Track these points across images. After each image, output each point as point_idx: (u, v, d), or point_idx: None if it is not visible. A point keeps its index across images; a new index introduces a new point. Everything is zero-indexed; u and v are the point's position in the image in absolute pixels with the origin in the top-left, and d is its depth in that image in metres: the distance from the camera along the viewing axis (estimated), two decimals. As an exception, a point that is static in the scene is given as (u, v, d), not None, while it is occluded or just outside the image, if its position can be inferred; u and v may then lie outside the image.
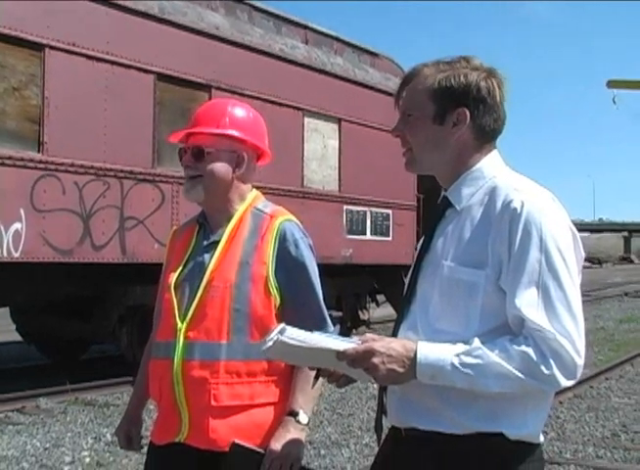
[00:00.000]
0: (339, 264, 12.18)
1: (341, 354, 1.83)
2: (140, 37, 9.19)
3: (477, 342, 1.81)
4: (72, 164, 8.45)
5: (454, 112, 1.97)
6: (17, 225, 7.92)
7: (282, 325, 1.92)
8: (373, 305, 14.29)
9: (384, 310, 14.89)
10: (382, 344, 1.84)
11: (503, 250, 1.84)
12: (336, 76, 12.20)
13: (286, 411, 2.40)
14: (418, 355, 1.82)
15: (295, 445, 2.34)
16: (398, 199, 13.27)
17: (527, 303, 1.80)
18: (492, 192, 1.93)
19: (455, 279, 1.90)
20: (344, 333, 12.33)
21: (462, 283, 1.88)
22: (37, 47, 8.19)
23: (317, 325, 2.42)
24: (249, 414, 2.39)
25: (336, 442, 6.90)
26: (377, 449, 2.16)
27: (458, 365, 1.80)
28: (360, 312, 13.70)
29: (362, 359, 1.83)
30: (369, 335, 1.91)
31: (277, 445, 2.32)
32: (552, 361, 1.77)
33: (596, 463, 6.32)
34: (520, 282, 1.82)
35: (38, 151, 8.21)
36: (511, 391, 1.81)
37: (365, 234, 12.82)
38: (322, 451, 6.54)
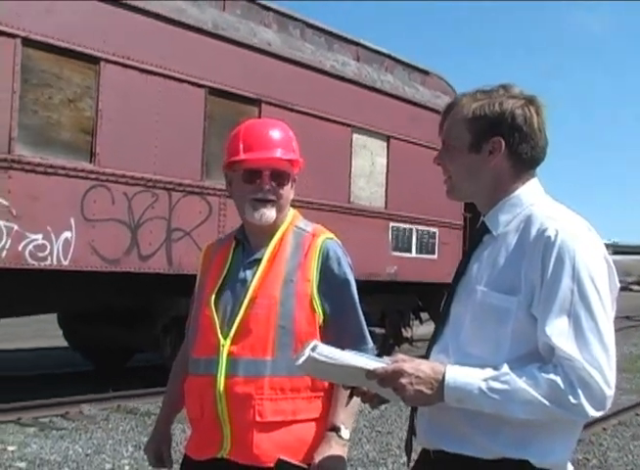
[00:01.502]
0: (383, 281, 12.17)
1: (370, 374, 1.87)
2: (193, 52, 9.33)
3: (505, 367, 1.82)
4: (123, 176, 8.60)
5: (489, 140, 1.99)
6: (67, 234, 8.08)
7: (314, 342, 1.97)
8: (416, 322, 14.22)
9: (427, 328, 14.78)
10: (411, 365, 1.86)
11: (536, 277, 1.85)
12: (386, 94, 12.21)
13: (328, 427, 2.42)
14: (446, 378, 1.84)
15: (337, 460, 2.35)
16: (445, 217, 13.22)
17: (558, 331, 1.81)
18: (528, 219, 1.93)
19: (487, 304, 1.91)
20: (388, 350, 12.37)
21: (494, 308, 1.89)
22: (93, 60, 8.37)
23: (357, 342, 2.45)
24: (291, 430, 2.41)
25: (373, 460, 6.88)
26: None
27: (486, 390, 1.81)
28: (403, 330, 13.64)
29: (391, 379, 1.85)
30: (400, 355, 1.93)
31: (321, 460, 2.34)
32: (580, 391, 1.77)
33: (639, 493, 6.21)
34: (551, 310, 1.82)
35: (90, 161, 8.37)
36: (538, 418, 1.82)
37: (410, 252, 12.79)
38: (359, 469, 6.52)
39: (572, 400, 1.77)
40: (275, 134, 2.52)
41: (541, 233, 1.87)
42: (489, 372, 1.83)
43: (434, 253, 13.24)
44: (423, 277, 12.80)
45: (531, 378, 1.79)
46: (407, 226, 12.66)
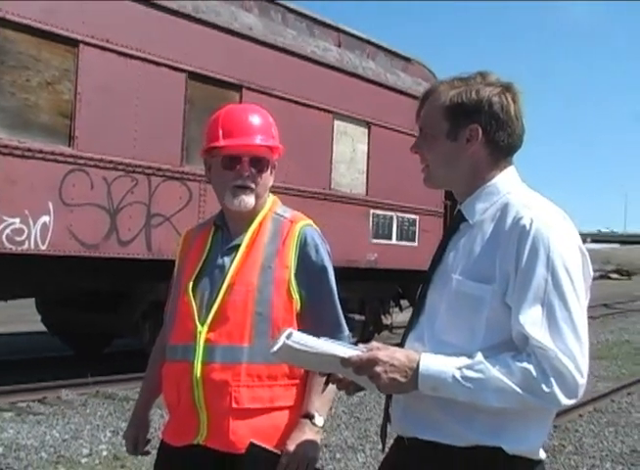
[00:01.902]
0: (363, 268, 12.19)
1: (345, 361, 1.87)
2: (173, 36, 9.26)
3: (479, 356, 1.83)
4: (102, 160, 8.54)
5: (467, 128, 1.98)
6: (45, 218, 8.01)
7: (289, 329, 1.97)
8: (396, 310, 14.27)
9: (407, 316, 14.84)
10: (386, 353, 1.87)
11: (510, 266, 1.85)
12: (367, 80, 12.20)
13: (302, 414, 2.42)
14: (420, 366, 1.85)
15: (310, 446, 2.36)
16: (426, 205, 13.24)
17: (532, 320, 1.81)
18: (504, 208, 1.94)
19: (462, 293, 1.91)
20: (367, 337, 12.40)
21: (468, 297, 1.90)
22: (72, 42, 8.29)
23: (333, 329, 2.46)
24: (268, 417, 2.41)
25: (352, 446, 6.90)
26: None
27: (459, 378, 1.82)
28: (383, 317, 13.70)
29: (366, 367, 1.85)
30: (374, 343, 1.94)
31: (293, 446, 2.34)
32: (553, 380, 1.78)
33: (613, 479, 6.26)
34: (525, 299, 1.83)
35: (69, 145, 8.30)
36: (511, 406, 1.83)
37: (391, 239, 12.81)
38: (337, 455, 6.54)
39: (545, 389, 1.78)
40: (255, 120, 2.50)
41: (516, 222, 1.87)
42: (463, 361, 1.84)
43: (414, 240, 13.27)
44: (403, 264, 12.83)
45: (505, 366, 1.80)
46: (388, 213, 12.67)
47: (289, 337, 1.92)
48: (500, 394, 1.80)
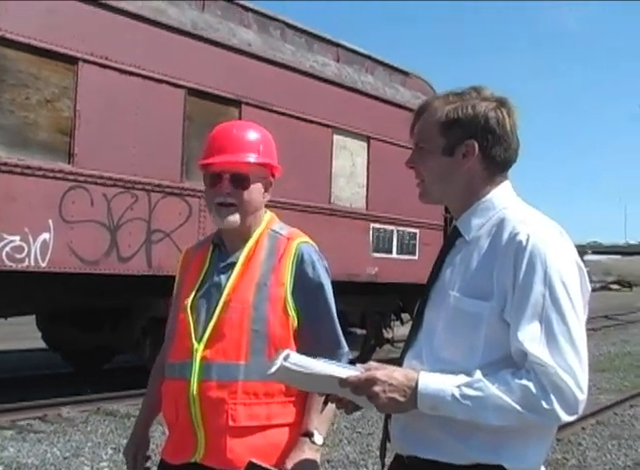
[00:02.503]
0: (364, 282, 12.17)
1: (343, 382, 1.86)
2: (172, 52, 9.29)
3: (478, 374, 1.82)
4: (102, 177, 8.55)
5: (463, 144, 1.98)
6: (45, 235, 8.01)
7: (287, 351, 1.96)
8: (397, 323, 14.24)
9: (408, 329, 14.81)
10: (384, 372, 1.86)
11: (508, 282, 1.85)
12: (366, 95, 12.24)
13: (301, 432, 2.40)
14: (419, 385, 1.84)
15: (309, 465, 2.34)
16: (426, 218, 13.23)
17: (530, 337, 1.80)
18: (500, 223, 1.93)
19: (459, 309, 1.90)
20: (369, 351, 12.38)
21: (466, 314, 1.89)
22: (71, 60, 8.31)
23: (331, 346, 2.44)
24: (265, 435, 2.39)
25: (354, 461, 6.87)
26: None
27: (458, 397, 1.81)
28: (384, 331, 13.67)
29: (364, 387, 1.85)
30: (372, 363, 1.93)
31: (292, 465, 2.32)
32: (552, 396, 1.77)
33: (617, 492, 6.23)
34: (523, 315, 1.82)
35: (68, 162, 8.31)
36: (511, 424, 1.82)
37: (391, 253, 12.81)
38: (340, 471, 6.51)
39: (545, 406, 1.77)
40: (241, 137, 2.49)
41: (513, 238, 1.87)
42: (462, 379, 1.83)
43: (414, 253, 13.26)
44: (404, 278, 12.81)
45: (504, 384, 1.79)
46: (388, 227, 12.68)
47: (286, 359, 1.91)
48: (499, 411, 1.79)
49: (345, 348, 2.51)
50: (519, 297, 1.83)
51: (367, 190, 12.23)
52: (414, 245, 13.30)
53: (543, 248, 1.84)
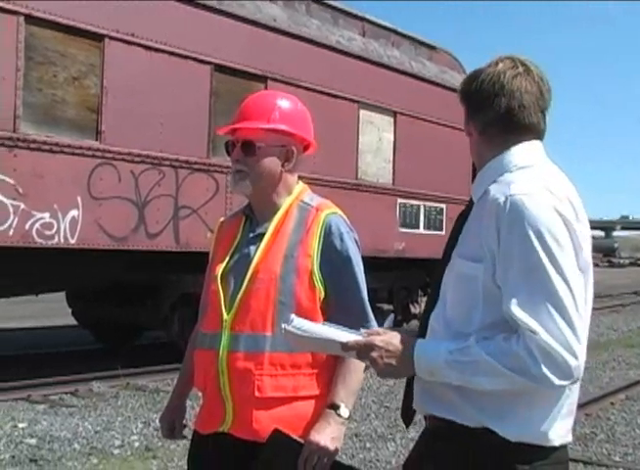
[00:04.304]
0: (391, 258, 12.16)
1: (344, 346, 1.93)
2: (197, 28, 9.28)
3: (471, 339, 1.83)
4: (129, 153, 8.59)
5: (483, 107, 2.00)
6: (73, 212, 8.08)
7: (293, 315, 2.04)
8: (424, 298, 14.24)
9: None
10: (382, 338, 1.91)
11: (494, 246, 1.85)
12: (392, 69, 12.15)
13: (327, 404, 2.40)
14: (415, 352, 1.88)
15: (334, 437, 2.34)
16: (453, 193, 13.17)
17: (516, 301, 1.79)
18: (493, 186, 1.93)
19: (460, 272, 1.93)
20: (396, 326, 12.54)
21: (465, 276, 1.91)
22: (97, 37, 8.33)
23: (358, 318, 2.43)
24: (291, 406, 2.40)
25: (382, 435, 6.90)
26: None
27: (451, 362, 1.83)
28: (411, 306, 13.69)
29: (363, 352, 1.91)
30: (376, 329, 2.00)
31: (317, 436, 2.32)
32: (541, 361, 1.76)
33: (646, 467, 6.20)
34: (507, 280, 1.82)
35: (96, 139, 8.36)
36: (504, 388, 1.82)
37: (418, 228, 12.78)
38: (367, 444, 6.55)
39: (535, 371, 1.76)
40: (257, 104, 2.51)
41: (495, 200, 1.86)
42: (456, 344, 1.85)
43: (441, 229, 13.22)
44: (431, 253, 12.77)
45: (495, 349, 1.80)
46: (415, 202, 12.63)
47: (290, 323, 1.98)
48: (491, 377, 1.80)
49: (373, 322, 2.49)
50: (502, 261, 1.83)
51: (393, 165, 12.18)
52: (441, 220, 13.25)
53: (521, 208, 1.81)
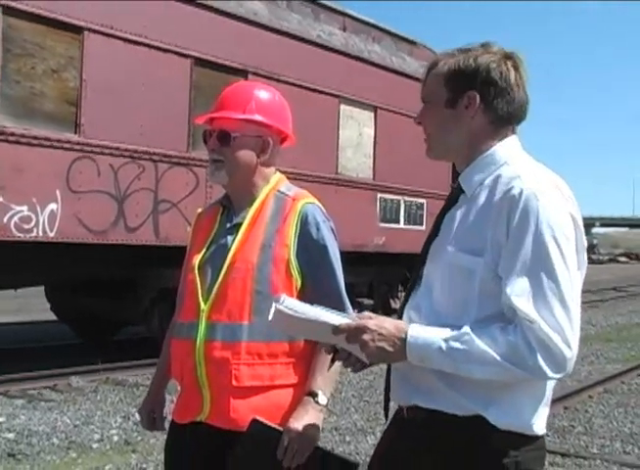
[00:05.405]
0: (371, 252, 12.18)
1: (335, 329, 1.89)
2: (178, 21, 9.24)
3: (466, 328, 1.82)
4: (108, 147, 8.54)
5: (464, 95, 1.97)
6: (52, 206, 8.03)
7: (283, 295, 1.99)
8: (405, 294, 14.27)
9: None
10: (375, 322, 1.89)
11: (502, 238, 1.84)
12: (373, 64, 12.17)
13: (305, 392, 2.41)
14: (408, 337, 1.85)
15: (313, 425, 2.35)
16: (433, 188, 13.20)
17: (518, 291, 1.80)
18: (497, 179, 1.92)
19: (455, 265, 1.91)
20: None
21: (461, 269, 1.90)
22: (76, 30, 8.27)
23: (336, 307, 2.41)
24: (269, 395, 2.40)
25: (361, 428, 6.92)
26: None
27: (445, 349, 1.82)
28: (392, 301, 13.71)
29: (354, 335, 1.88)
30: (366, 313, 1.95)
31: (295, 424, 2.33)
32: (538, 352, 1.76)
33: (623, 459, 6.25)
34: (513, 270, 1.81)
35: (75, 132, 8.30)
36: (496, 378, 1.82)
37: (398, 223, 12.80)
38: (347, 438, 6.56)
39: (531, 361, 1.76)
40: (233, 95, 2.54)
41: (506, 193, 1.86)
42: (450, 332, 1.83)
43: (422, 224, 13.25)
44: (411, 248, 12.80)
45: (491, 338, 1.79)
46: (395, 197, 12.66)
47: (281, 302, 1.94)
48: (485, 366, 1.79)
49: (350, 310, 2.49)
50: (510, 252, 1.82)
51: (374, 160, 12.20)
52: (421, 215, 13.29)
53: (535, 203, 1.82)
